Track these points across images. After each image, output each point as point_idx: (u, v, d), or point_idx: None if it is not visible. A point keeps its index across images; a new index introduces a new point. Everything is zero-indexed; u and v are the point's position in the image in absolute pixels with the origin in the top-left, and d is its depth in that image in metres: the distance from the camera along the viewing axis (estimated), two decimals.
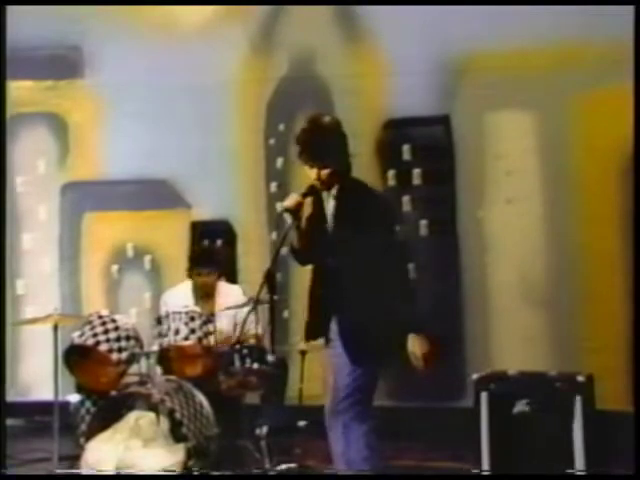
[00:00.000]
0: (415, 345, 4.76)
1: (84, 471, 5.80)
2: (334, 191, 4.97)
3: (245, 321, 5.57)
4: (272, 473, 5.47)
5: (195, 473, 5.67)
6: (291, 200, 4.95)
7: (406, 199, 7.57)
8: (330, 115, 5.29)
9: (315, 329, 5.04)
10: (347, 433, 4.93)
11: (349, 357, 4.85)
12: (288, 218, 4.95)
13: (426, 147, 7.71)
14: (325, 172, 4.91)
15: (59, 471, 6.02)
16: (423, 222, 7.63)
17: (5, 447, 6.63)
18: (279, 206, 5.13)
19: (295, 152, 5.00)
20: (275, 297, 5.04)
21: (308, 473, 5.81)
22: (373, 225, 4.90)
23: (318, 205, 5.01)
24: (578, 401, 5.55)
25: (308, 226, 4.99)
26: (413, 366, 4.78)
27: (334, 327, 4.93)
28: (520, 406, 5.68)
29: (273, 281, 4.97)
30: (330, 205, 4.99)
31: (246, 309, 5.67)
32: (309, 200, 5.01)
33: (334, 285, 4.91)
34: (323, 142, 4.94)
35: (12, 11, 8.29)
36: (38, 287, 8.53)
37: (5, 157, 8.46)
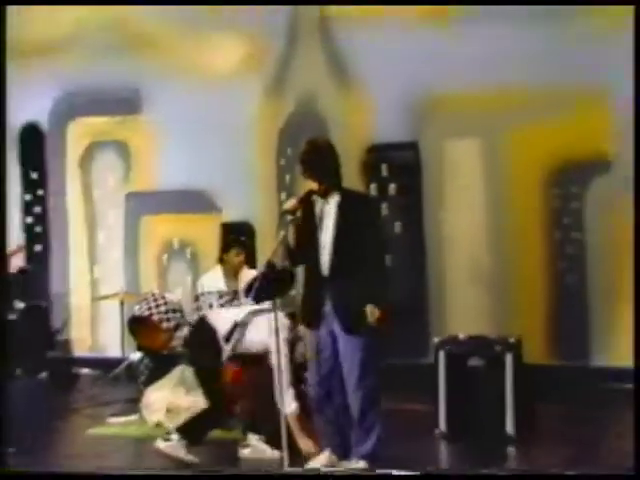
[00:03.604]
0: (371, 313, 4.81)
1: (86, 469, 5.31)
2: (334, 200, 4.90)
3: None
4: (274, 473, 4.93)
5: (196, 474, 5.19)
6: (290, 204, 4.92)
7: (384, 206, 7.64)
8: (323, 138, 5.30)
9: (311, 312, 4.95)
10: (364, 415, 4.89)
11: (344, 327, 4.81)
12: (288, 218, 4.84)
13: (399, 166, 7.74)
14: (323, 186, 4.89)
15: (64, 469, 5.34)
16: (397, 223, 7.71)
17: (5, 442, 5.35)
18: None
19: (299, 170, 5.02)
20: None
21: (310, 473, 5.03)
22: (370, 225, 4.89)
23: (310, 210, 4.95)
24: (509, 357, 5.69)
25: (303, 226, 4.92)
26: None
27: (328, 308, 4.86)
28: (470, 362, 5.75)
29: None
30: (325, 211, 4.91)
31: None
32: (305, 204, 4.95)
33: (327, 276, 4.85)
34: (321, 162, 4.90)
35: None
36: (109, 272, 8.61)
37: (5, 164, 8.08)
